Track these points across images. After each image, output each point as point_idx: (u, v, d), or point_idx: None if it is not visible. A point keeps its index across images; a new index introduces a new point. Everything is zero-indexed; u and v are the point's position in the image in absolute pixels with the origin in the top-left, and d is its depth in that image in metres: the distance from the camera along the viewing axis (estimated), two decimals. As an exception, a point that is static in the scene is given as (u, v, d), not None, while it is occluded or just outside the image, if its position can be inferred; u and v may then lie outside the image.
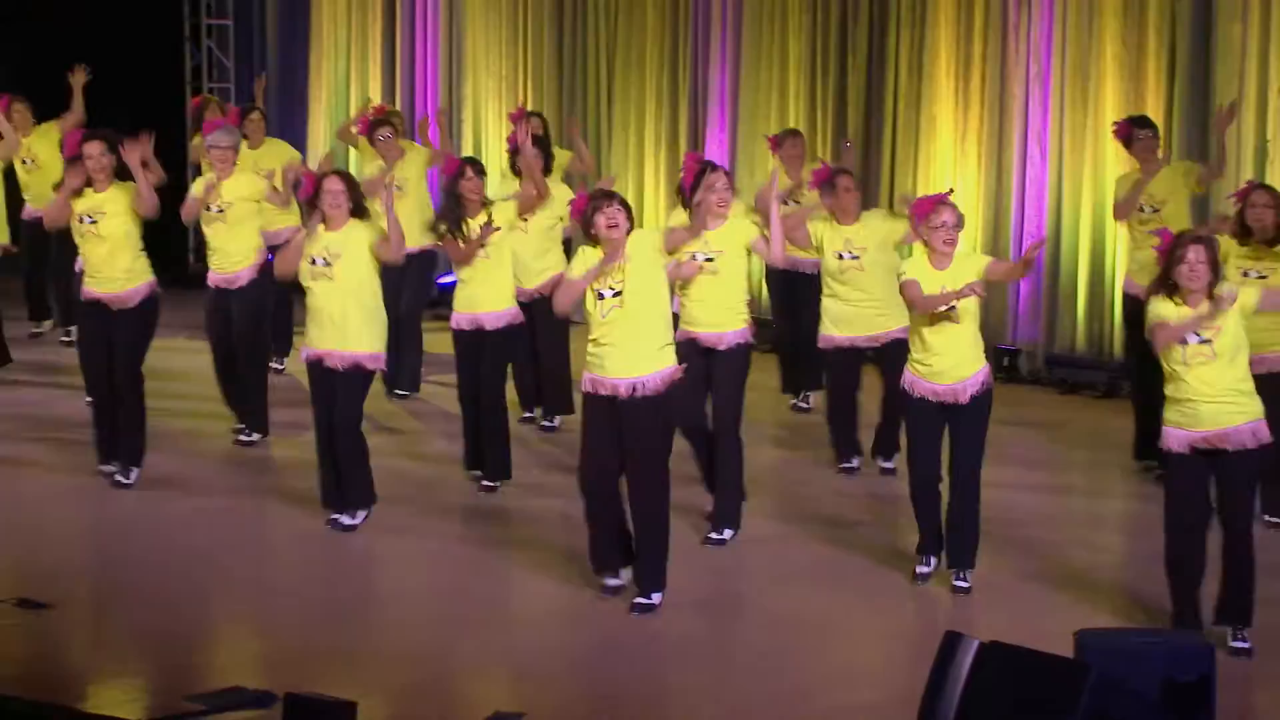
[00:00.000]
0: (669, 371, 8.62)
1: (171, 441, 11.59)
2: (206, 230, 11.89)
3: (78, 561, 9.72)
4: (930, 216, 8.91)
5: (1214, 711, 6.79)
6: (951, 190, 9.79)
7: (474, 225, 10.50)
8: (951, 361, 8.92)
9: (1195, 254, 8.08)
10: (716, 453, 9.88)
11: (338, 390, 9.94)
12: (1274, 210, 9.73)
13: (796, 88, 15.18)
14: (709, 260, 9.69)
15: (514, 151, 11.75)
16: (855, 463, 11.18)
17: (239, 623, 8.85)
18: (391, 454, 11.35)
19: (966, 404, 8.91)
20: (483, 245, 10.47)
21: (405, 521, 10.18)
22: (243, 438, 11.87)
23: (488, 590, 9.24)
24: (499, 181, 12.47)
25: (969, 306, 8.84)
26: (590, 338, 8.67)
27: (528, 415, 12.20)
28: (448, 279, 12.88)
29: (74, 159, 10.74)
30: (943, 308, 8.76)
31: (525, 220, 11.17)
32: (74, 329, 12.76)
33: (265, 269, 11.72)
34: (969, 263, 8.99)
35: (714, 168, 9.91)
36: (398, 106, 17.64)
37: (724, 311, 9.81)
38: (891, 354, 10.37)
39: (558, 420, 12.14)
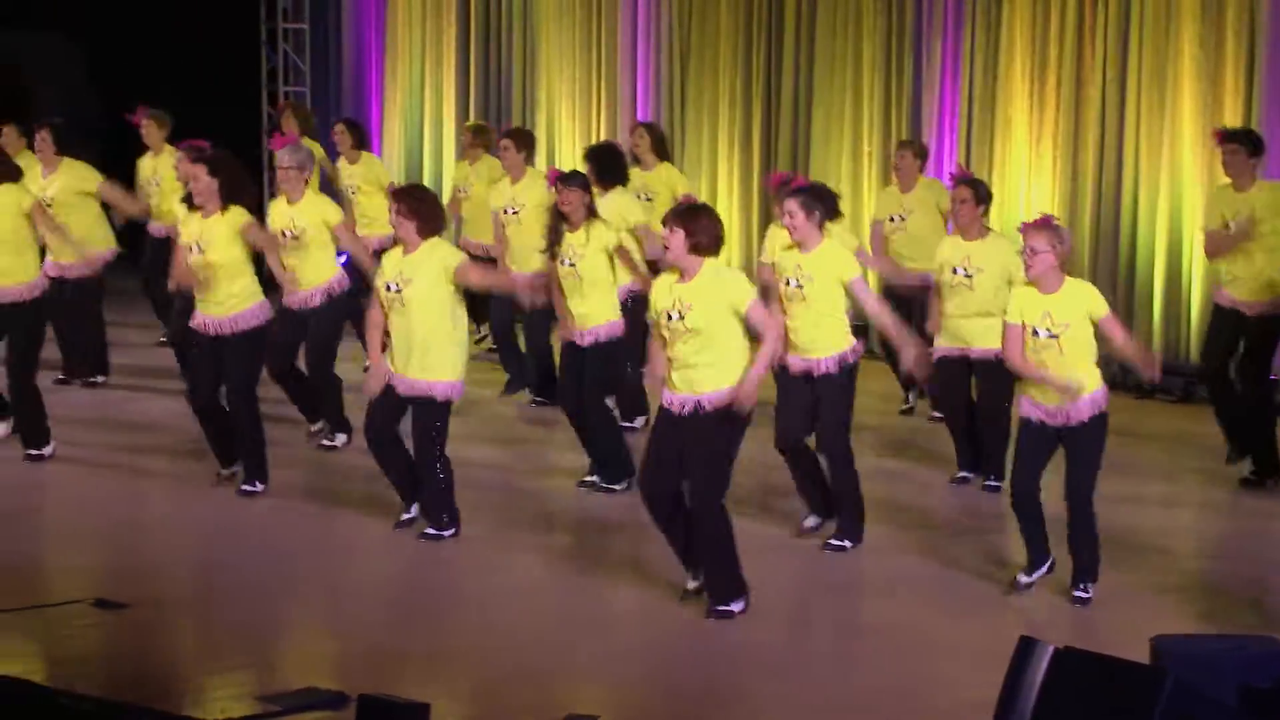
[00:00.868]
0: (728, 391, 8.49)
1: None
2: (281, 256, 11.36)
3: (154, 562, 9.76)
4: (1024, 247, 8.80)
5: (1291, 718, 6.74)
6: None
7: (573, 242, 10.54)
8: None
9: None
10: (830, 475, 9.85)
11: (412, 411, 9.82)
12: None
13: (870, 90, 15.15)
14: (798, 286, 9.60)
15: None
16: (969, 476, 11.15)
17: (313, 624, 8.88)
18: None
19: (1080, 426, 8.79)
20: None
21: (486, 527, 10.19)
22: (325, 441, 11.88)
23: (563, 593, 9.23)
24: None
25: (1078, 336, 8.73)
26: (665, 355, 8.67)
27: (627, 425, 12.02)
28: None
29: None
30: (1035, 377, 8.76)
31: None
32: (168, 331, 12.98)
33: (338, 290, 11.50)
34: (1080, 299, 8.79)
35: (790, 193, 9.74)
36: (470, 111, 17.72)
37: (819, 334, 9.64)
38: (989, 369, 10.40)
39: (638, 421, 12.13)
